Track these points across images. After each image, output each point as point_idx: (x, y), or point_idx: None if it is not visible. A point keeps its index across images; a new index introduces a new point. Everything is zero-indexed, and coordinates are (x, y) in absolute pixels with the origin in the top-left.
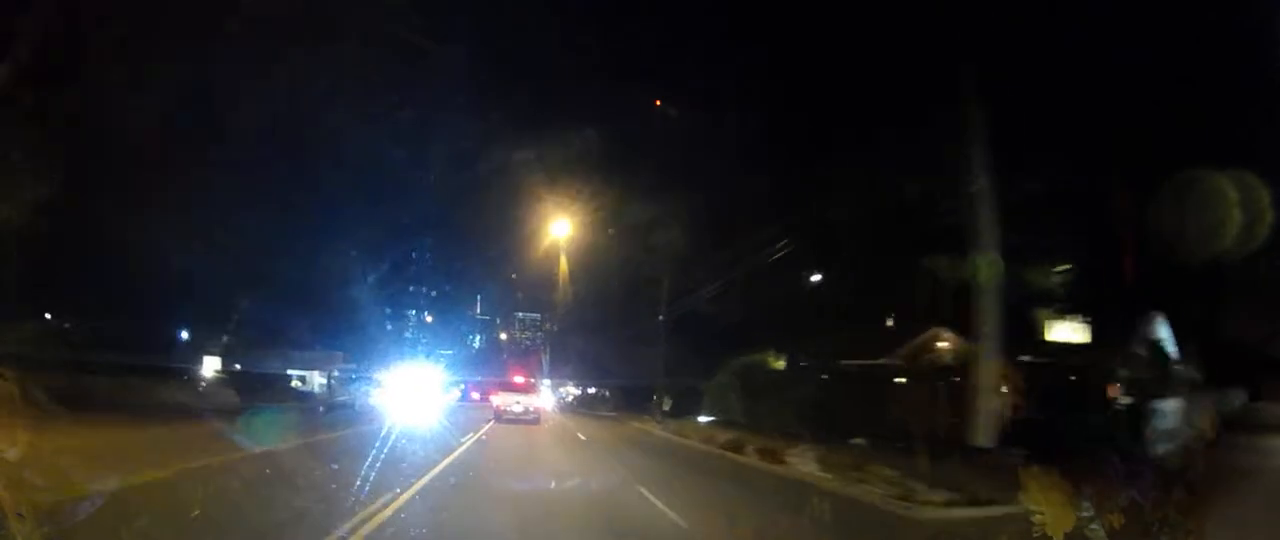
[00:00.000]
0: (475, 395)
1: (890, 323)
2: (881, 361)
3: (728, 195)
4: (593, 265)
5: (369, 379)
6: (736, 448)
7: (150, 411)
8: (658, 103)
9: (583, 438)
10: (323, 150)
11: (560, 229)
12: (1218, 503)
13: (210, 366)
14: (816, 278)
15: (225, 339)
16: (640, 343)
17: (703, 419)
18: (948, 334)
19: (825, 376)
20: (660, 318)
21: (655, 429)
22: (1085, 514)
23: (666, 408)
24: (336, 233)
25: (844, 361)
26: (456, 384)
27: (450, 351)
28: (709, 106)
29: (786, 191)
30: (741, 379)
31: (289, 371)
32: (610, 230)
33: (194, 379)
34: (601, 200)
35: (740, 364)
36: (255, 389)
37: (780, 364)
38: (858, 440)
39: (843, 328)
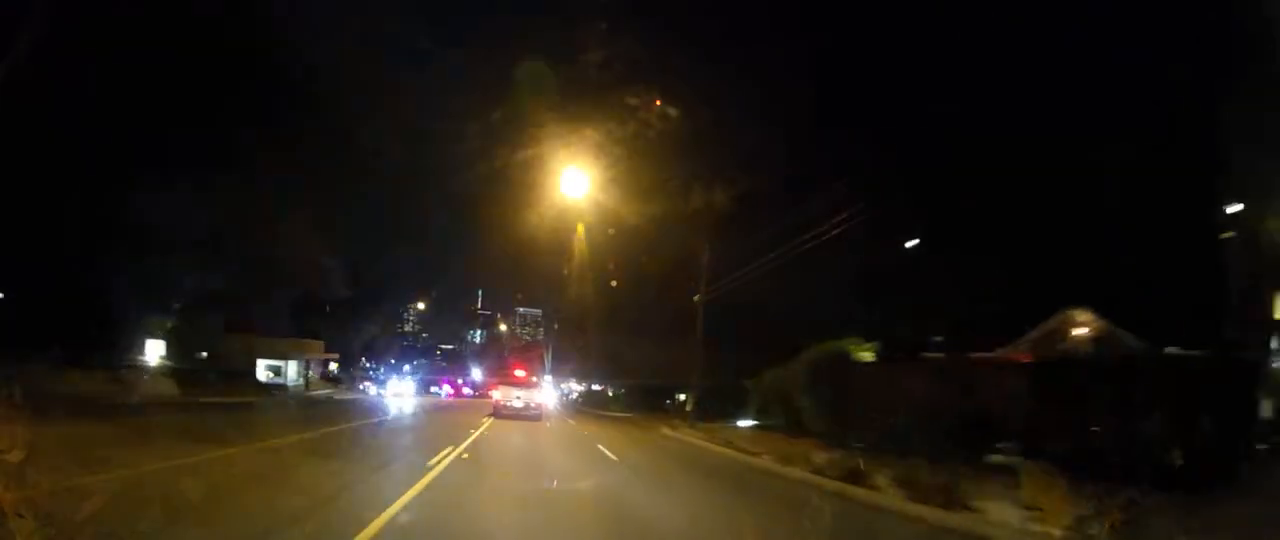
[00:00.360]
0: (468, 391)
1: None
2: (996, 353)
3: (775, 166)
4: (599, 259)
5: (365, 372)
6: (853, 477)
7: (42, 408)
8: (658, 102)
9: (612, 457)
10: (315, 141)
11: (577, 188)
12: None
13: (154, 353)
14: (912, 243)
15: (170, 322)
16: (654, 335)
17: (742, 423)
18: (1085, 316)
19: (942, 370)
20: (696, 298)
21: (692, 436)
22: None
23: (691, 408)
24: (328, 219)
25: (974, 354)
26: (452, 378)
27: (450, 346)
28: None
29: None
30: (815, 374)
31: (260, 361)
32: (611, 230)
33: (130, 367)
34: (617, 180)
35: (814, 355)
36: (207, 380)
37: (867, 354)
38: (1000, 458)
39: (935, 311)
